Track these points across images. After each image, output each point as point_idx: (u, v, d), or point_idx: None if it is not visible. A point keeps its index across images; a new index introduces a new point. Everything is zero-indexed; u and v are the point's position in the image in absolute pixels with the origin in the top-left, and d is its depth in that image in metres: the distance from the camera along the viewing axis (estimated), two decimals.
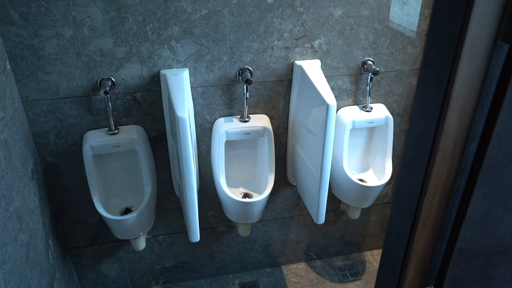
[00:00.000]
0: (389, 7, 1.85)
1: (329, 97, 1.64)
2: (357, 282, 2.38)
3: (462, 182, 0.75)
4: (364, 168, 2.17)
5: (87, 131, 1.81)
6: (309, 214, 2.31)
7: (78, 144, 1.83)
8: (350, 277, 2.40)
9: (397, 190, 0.85)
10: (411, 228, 0.81)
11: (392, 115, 2.01)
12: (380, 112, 2.01)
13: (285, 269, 2.47)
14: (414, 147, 0.77)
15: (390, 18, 1.87)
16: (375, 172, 2.12)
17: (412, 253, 0.83)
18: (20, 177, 1.56)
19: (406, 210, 0.81)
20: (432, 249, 0.82)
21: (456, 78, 0.65)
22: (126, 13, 1.62)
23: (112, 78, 1.73)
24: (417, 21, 1.91)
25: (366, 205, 2.12)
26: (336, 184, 2.10)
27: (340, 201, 2.31)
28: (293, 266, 2.49)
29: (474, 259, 0.81)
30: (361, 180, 2.07)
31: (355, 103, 2.04)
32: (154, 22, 1.66)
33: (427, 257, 0.83)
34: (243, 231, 2.10)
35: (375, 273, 2.43)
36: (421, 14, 1.89)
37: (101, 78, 1.72)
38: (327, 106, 1.62)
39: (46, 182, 1.86)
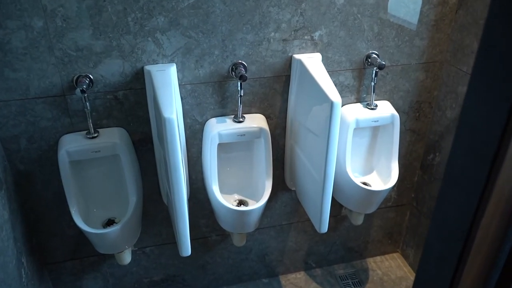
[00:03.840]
0: None
1: (333, 93, 1.49)
2: None
3: None
4: (368, 171, 2.02)
5: (63, 134, 1.63)
6: (308, 220, 2.15)
7: (53, 150, 1.64)
8: (352, 286, 2.25)
9: (439, 209, 0.69)
10: (459, 256, 0.65)
11: (397, 112, 1.86)
12: (385, 109, 1.86)
13: (283, 279, 2.31)
14: (466, 157, 0.61)
15: (389, 10, 1.71)
16: (380, 175, 1.97)
17: (460, 286, 0.67)
18: None
19: (454, 234, 0.65)
20: (485, 279, 0.67)
21: None
22: (104, 1, 1.44)
23: (90, 75, 1.54)
24: (422, 10, 1.76)
25: (371, 210, 1.97)
26: (338, 188, 1.94)
27: (341, 206, 2.15)
28: (291, 276, 2.33)
29: None
30: (364, 183, 1.91)
31: (358, 100, 1.89)
32: (137, 12, 1.48)
33: None
34: (238, 241, 1.93)
35: (379, 282, 2.28)
36: (429, 2, 1.74)
37: (77, 75, 1.53)
38: (331, 104, 1.47)
39: (17, 192, 1.67)
